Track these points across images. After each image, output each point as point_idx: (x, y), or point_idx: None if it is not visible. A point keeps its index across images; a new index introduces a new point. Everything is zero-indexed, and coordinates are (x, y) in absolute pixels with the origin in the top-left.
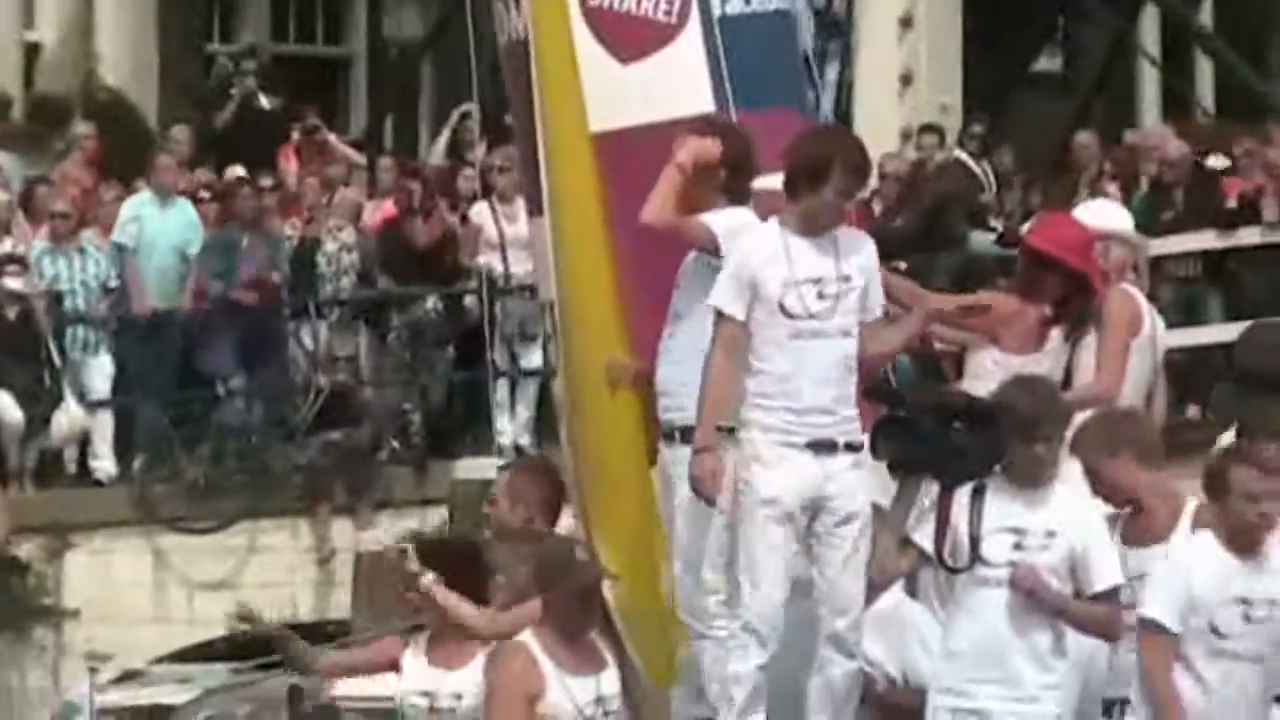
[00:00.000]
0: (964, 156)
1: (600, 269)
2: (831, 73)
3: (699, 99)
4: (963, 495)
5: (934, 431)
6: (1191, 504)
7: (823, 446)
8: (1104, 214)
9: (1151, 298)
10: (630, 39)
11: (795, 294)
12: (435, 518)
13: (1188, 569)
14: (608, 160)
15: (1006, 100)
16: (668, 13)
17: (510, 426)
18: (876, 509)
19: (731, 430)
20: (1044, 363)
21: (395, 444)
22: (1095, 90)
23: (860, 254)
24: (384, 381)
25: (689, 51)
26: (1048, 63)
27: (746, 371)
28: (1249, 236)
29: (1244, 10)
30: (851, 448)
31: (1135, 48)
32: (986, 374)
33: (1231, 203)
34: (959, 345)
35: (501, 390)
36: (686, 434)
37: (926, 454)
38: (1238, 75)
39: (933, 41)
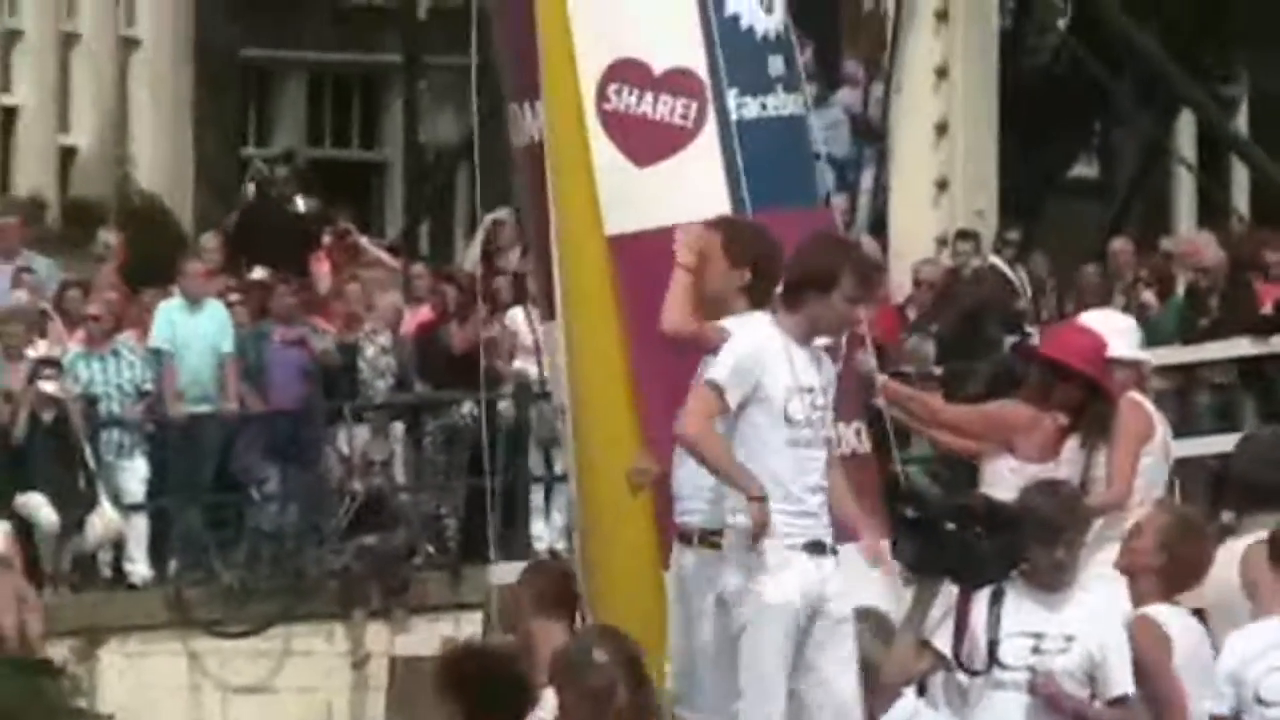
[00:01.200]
0: (999, 263)
1: (614, 373)
2: (867, 178)
3: (715, 202)
4: (981, 598)
5: (954, 535)
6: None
7: (817, 547)
8: (1110, 333)
9: (1187, 404)
10: (647, 143)
11: (797, 401)
12: (470, 623)
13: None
14: (623, 263)
15: (1042, 206)
16: (684, 117)
17: (546, 531)
18: (858, 612)
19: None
20: (1061, 471)
21: (430, 549)
22: (1130, 196)
23: (829, 369)
24: (419, 486)
25: (705, 155)
26: (1083, 168)
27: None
28: None
29: (1278, 116)
30: (833, 550)
31: (1171, 153)
32: (1003, 482)
33: (1267, 309)
34: (973, 454)
35: (536, 495)
36: (705, 536)
37: (946, 557)
38: (1273, 181)
39: (969, 147)
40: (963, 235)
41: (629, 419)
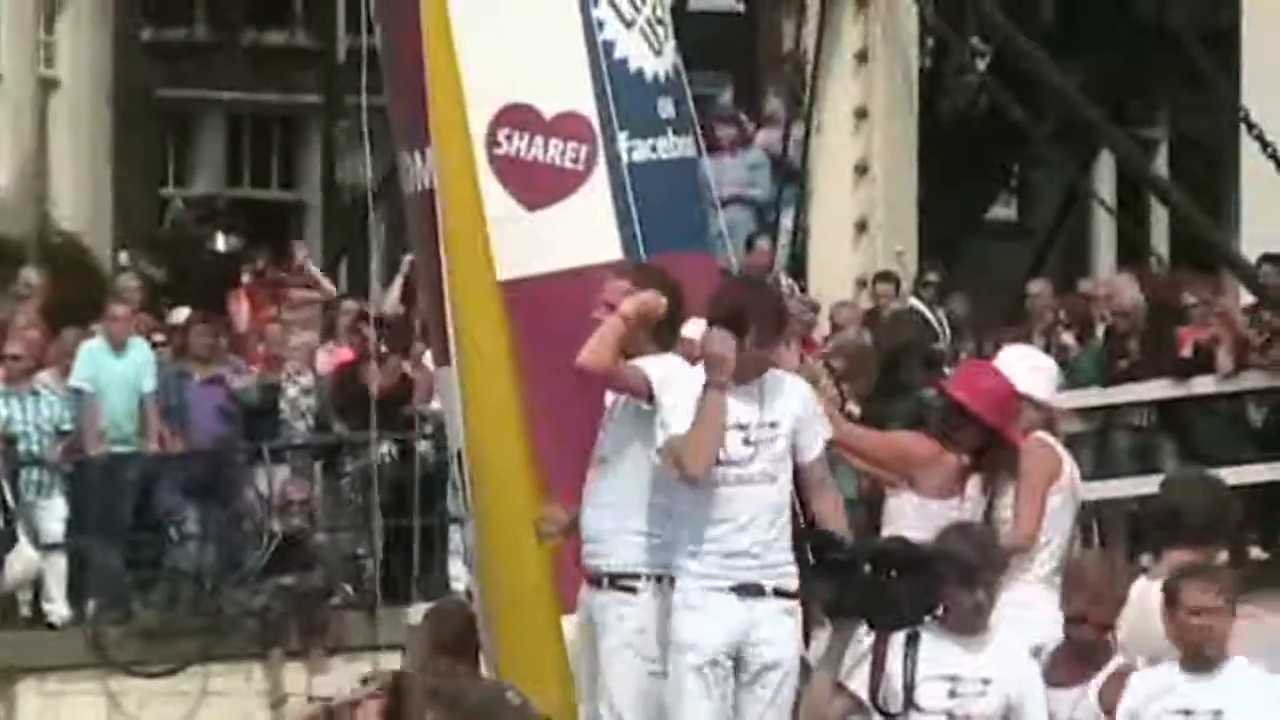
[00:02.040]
0: (918, 304)
1: (508, 416)
2: (788, 219)
3: (606, 245)
4: (898, 642)
5: (870, 578)
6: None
7: (749, 590)
8: (1022, 372)
9: (1106, 445)
10: (538, 187)
11: (730, 439)
12: (389, 663)
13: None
14: (516, 308)
15: (961, 247)
16: (575, 160)
17: (465, 572)
18: (804, 663)
19: (659, 580)
20: (964, 510)
21: (348, 589)
22: (1050, 237)
23: (789, 399)
24: (337, 526)
25: (596, 198)
26: (1002, 209)
27: (674, 519)
28: (1203, 386)
29: (1198, 159)
30: (781, 593)
31: (1090, 195)
32: (905, 519)
33: (1186, 352)
34: (876, 476)
35: (455, 536)
36: (615, 580)
37: (862, 600)
38: (1192, 224)
39: (888, 189)
40: (882, 277)
41: (523, 464)
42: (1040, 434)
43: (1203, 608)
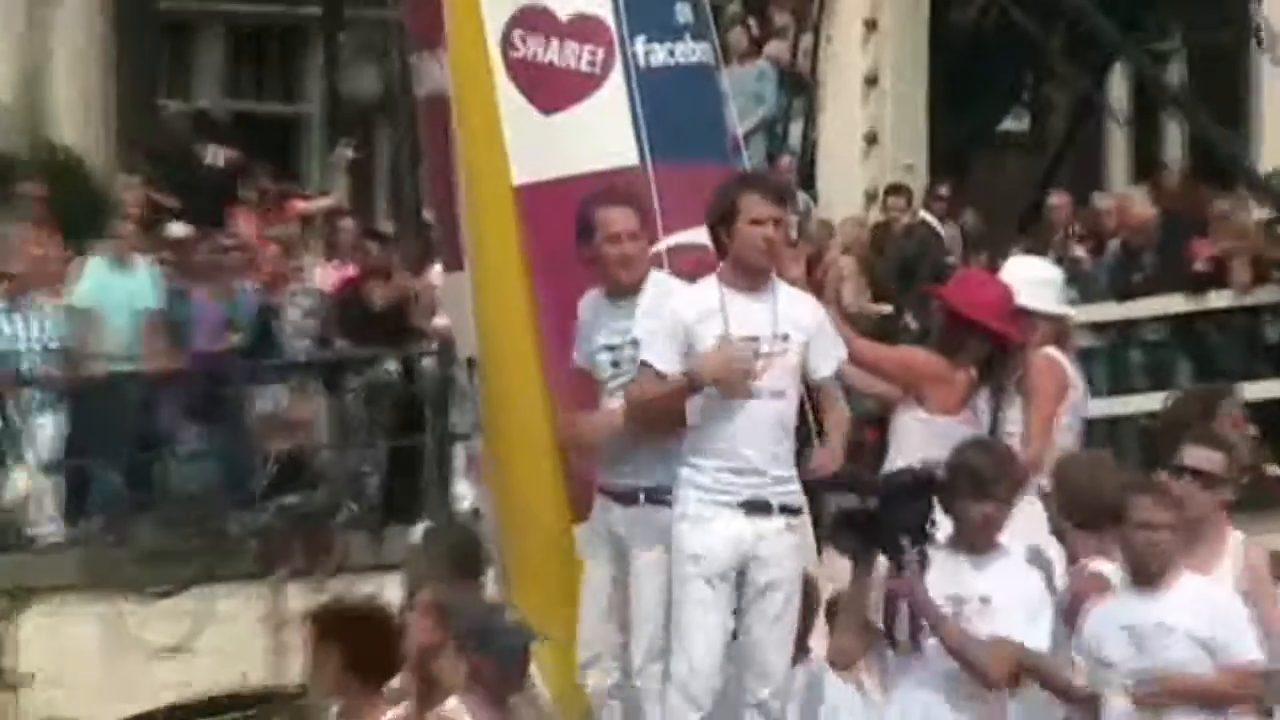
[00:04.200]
0: (930, 218)
1: (522, 322)
2: (796, 132)
3: (623, 151)
4: (912, 569)
5: (878, 512)
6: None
7: (756, 507)
8: (1026, 284)
9: (1120, 361)
10: (553, 90)
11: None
12: (392, 584)
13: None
14: (530, 212)
15: (972, 161)
16: (591, 64)
17: (470, 491)
18: (808, 578)
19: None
20: (972, 426)
21: (352, 508)
22: (1062, 151)
23: (802, 312)
24: (341, 445)
25: (612, 103)
26: (1014, 123)
27: (679, 429)
28: (1218, 300)
29: (1214, 70)
30: (787, 510)
31: (1103, 108)
32: (911, 434)
33: (1201, 266)
34: (881, 398)
35: (459, 454)
36: (652, 494)
37: (873, 535)
38: (1208, 137)
39: (898, 101)
40: (893, 190)
41: (535, 370)
42: (1049, 350)
43: (1152, 523)
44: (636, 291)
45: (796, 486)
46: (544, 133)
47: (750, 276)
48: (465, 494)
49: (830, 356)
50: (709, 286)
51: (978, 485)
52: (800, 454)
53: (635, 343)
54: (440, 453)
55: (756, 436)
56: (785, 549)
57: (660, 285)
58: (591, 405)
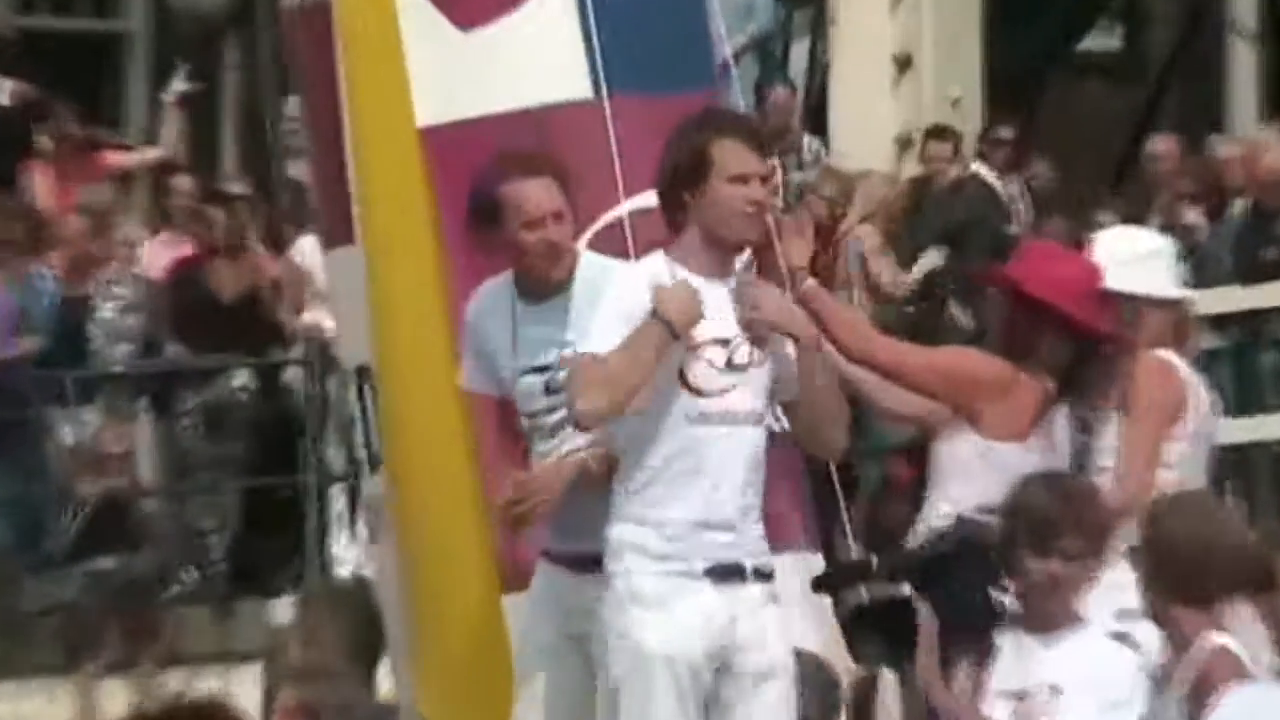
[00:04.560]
0: (984, 171)
1: (434, 316)
2: (799, 55)
3: (571, 79)
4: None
5: (917, 606)
6: None
7: (726, 573)
8: (1124, 262)
9: (1248, 367)
10: None
11: (700, 360)
12: (244, 679)
13: None
14: (444, 163)
15: (1044, 92)
16: None
17: (351, 549)
18: (800, 657)
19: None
20: (1047, 454)
21: (190, 575)
22: (1167, 77)
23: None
24: (174, 489)
25: (555, 11)
26: (1101, 39)
27: (622, 470)
28: None
29: None
30: (762, 575)
31: (1224, 22)
32: (961, 468)
33: None
34: (920, 423)
35: (339, 499)
36: (584, 562)
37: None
38: None
39: (940, 9)
40: (935, 133)
41: (453, 381)
42: (1160, 351)
43: None
44: (565, 287)
45: (766, 545)
46: (460, 55)
47: (720, 257)
48: (345, 555)
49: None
50: (656, 269)
51: (1042, 536)
52: (829, 540)
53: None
54: (314, 498)
55: (728, 476)
56: (768, 629)
57: (596, 268)
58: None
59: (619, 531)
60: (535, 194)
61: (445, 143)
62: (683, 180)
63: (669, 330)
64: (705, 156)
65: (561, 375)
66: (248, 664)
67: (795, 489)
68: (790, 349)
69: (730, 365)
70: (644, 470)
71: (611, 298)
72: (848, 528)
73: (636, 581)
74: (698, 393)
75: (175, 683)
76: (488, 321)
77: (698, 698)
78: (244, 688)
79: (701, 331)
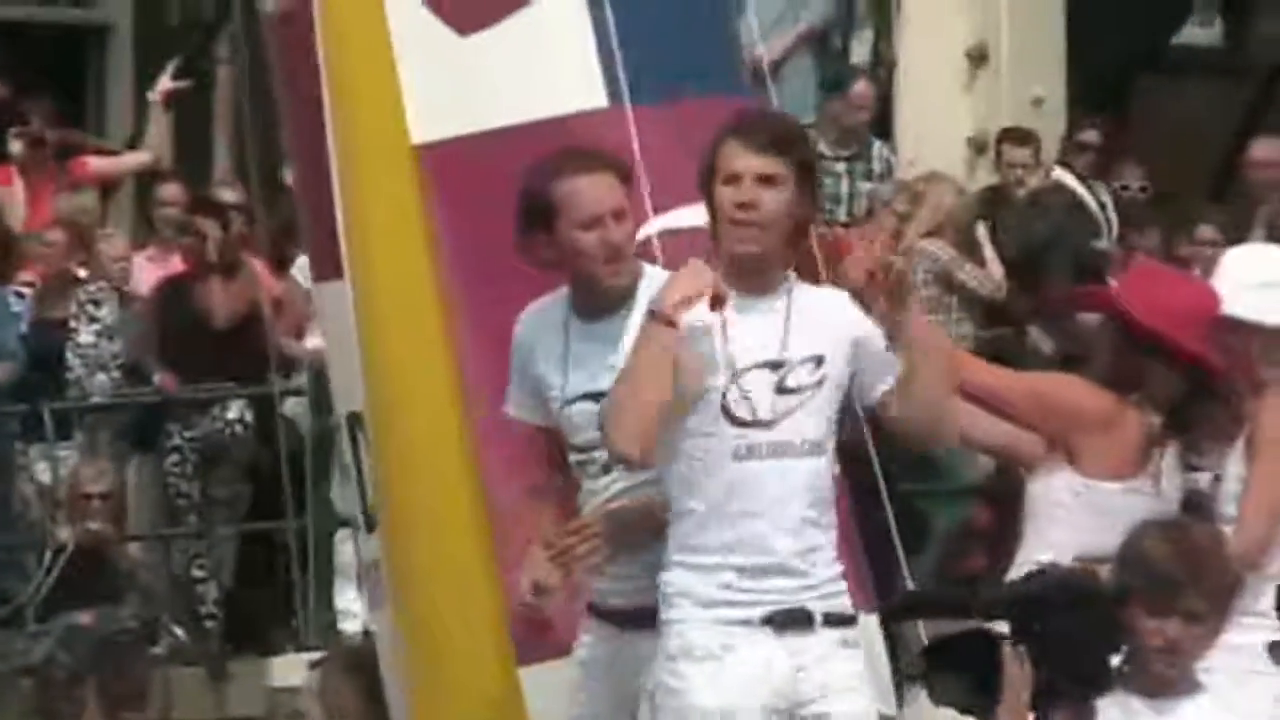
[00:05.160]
0: (1068, 179)
1: (434, 356)
2: (861, 49)
3: (581, 88)
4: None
5: (1012, 645)
6: None
7: (790, 621)
8: (1248, 286)
9: None
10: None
11: (748, 385)
12: None
13: None
14: (441, 185)
15: (1136, 90)
16: None
17: (359, 602)
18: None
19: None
20: (1152, 493)
21: (178, 631)
22: (1274, 76)
23: (834, 317)
24: (161, 534)
25: (563, 15)
26: (1200, 32)
27: (671, 514)
28: None
29: None
30: (836, 621)
31: None
32: (1059, 511)
33: None
34: (1014, 459)
35: (346, 546)
36: (639, 617)
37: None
38: None
39: (1021, 1)
40: (1012, 136)
41: (457, 429)
42: None
43: None
44: (626, 302)
45: (844, 585)
46: (460, 61)
47: (742, 272)
48: (353, 608)
49: (891, 371)
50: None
51: (1160, 595)
52: (883, 574)
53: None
54: (318, 542)
55: (787, 514)
56: (846, 678)
57: (661, 283)
58: (543, 480)
59: (669, 578)
60: (593, 190)
61: (446, 160)
62: (703, 190)
63: (660, 319)
64: (711, 160)
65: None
66: None
67: (842, 542)
68: (873, 335)
69: (782, 389)
70: (692, 513)
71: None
72: (908, 581)
73: (688, 633)
74: (742, 423)
75: None
76: (538, 340)
77: None
78: None
79: (745, 355)
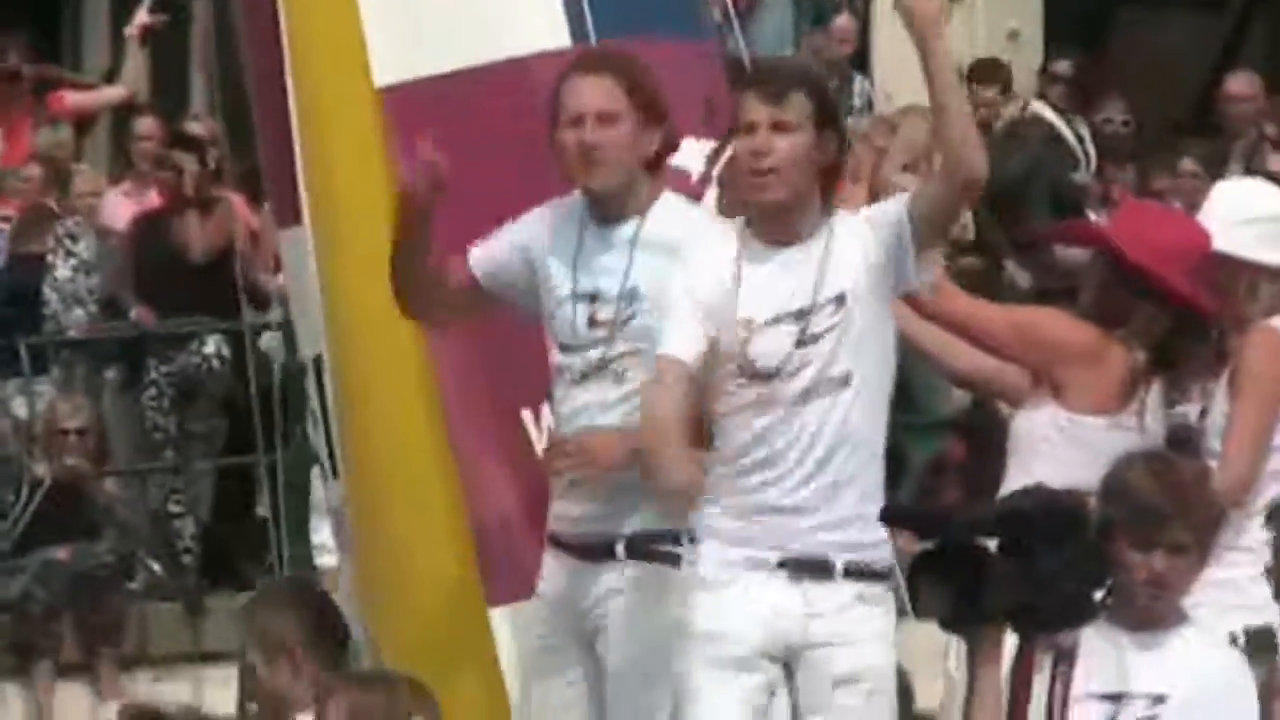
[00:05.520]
0: (1046, 111)
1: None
2: None
3: (546, 26)
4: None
5: (998, 563)
6: None
7: (806, 567)
8: (1234, 222)
9: None
10: None
11: (766, 342)
12: (218, 680)
13: None
14: (403, 126)
15: (1111, 21)
16: None
17: (333, 540)
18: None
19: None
20: (1136, 429)
21: (155, 566)
22: (1250, 8)
23: (850, 244)
24: (137, 469)
25: None
26: None
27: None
28: None
29: None
30: (861, 574)
31: None
32: (1044, 445)
33: None
34: (995, 392)
35: (319, 483)
36: (641, 543)
37: (991, 599)
38: None
39: None
40: (978, 74)
41: (420, 372)
42: (1274, 322)
43: None
44: (622, 211)
45: (877, 538)
46: (422, 3)
47: (768, 220)
48: (330, 543)
49: (917, 263)
50: (731, 242)
51: (1145, 527)
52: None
53: (634, 296)
54: (293, 476)
55: (811, 454)
56: (863, 630)
57: (677, 213)
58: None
59: (703, 516)
60: (581, 89)
61: (408, 103)
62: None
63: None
64: (737, 111)
65: (622, 313)
66: (220, 664)
67: None
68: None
69: (802, 340)
70: (721, 455)
71: (684, 289)
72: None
73: (704, 568)
74: (762, 377)
75: (140, 686)
76: (557, 231)
77: (754, 693)
78: (216, 691)
79: (765, 308)
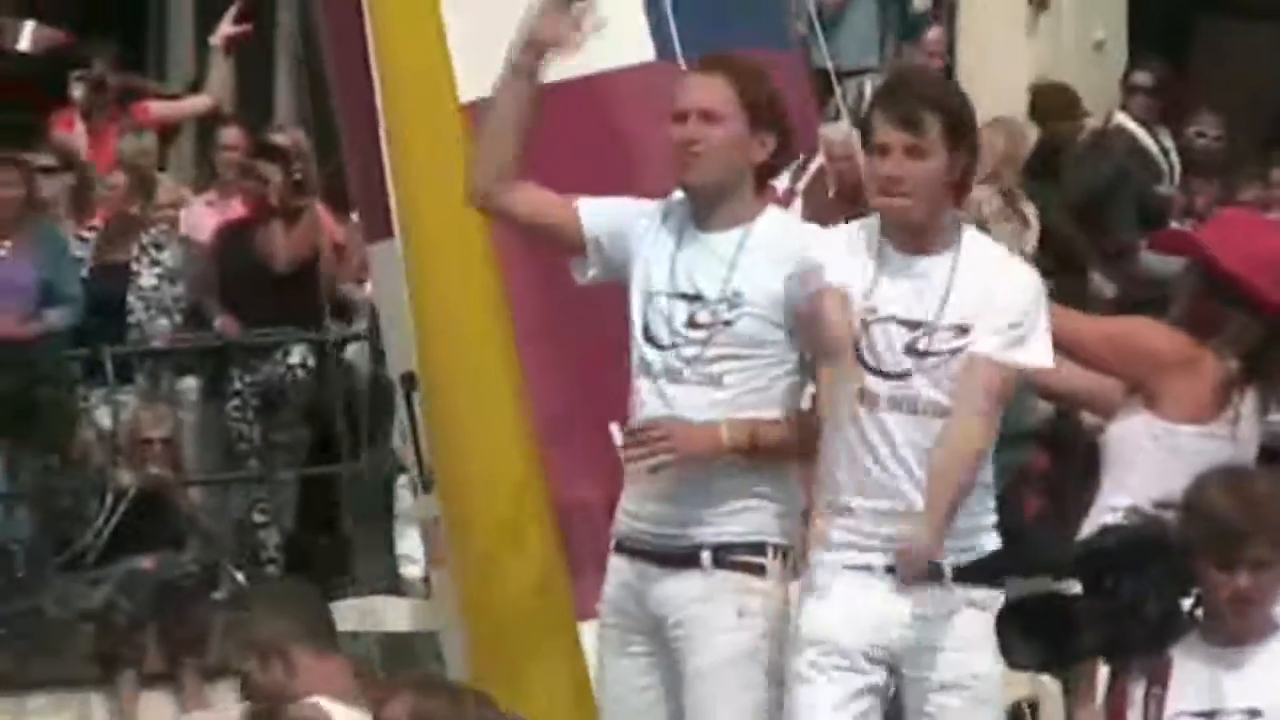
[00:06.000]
0: (1130, 123)
1: (487, 322)
2: None
3: (631, 41)
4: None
5: (1082, 607)
6: None
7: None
8: None
9: None
10: None
11: (878, 336)
12: None
13: None
14: None
15: (1199, 32)
16: None
17: (420, 546)
18: None
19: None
20: (1229, 438)
21: (239, 576)
22: None
23: (996, 282)
24: (222, 478)
25: None
26: None
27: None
28: None
29: None
30: (969, 577)
31: None
32: (1139, 455)
33: None
34: (1086, 404)
35: (406, 495)
36: (729, 553)
37: (1077, 643)
38: None
39: None
40: (1048, 97)
41: (511, 394)
42: None
43: None
44: (724, 214)
45: (992, 544)
46: (507, 18)
47: (896, 232)
48: (415, 553)
49: (1002, 331)
50: (851, 230)
51: (1225, 546)
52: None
53: (736, 301)
54: (377, 487)
55: (916, 464)
56: (971, 635)
57: (779, 223)
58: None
59: (814, 521)
60: (691, 87)
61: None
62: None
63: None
64: (869, 128)
65: (721, 316)
66: None
67: None
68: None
69: (911, 350)
70: (828, 455)
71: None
72: None
73: (815, 574)
74: (871, 370)
75: (224, 697)
76: (662, 226)
77: (855, 692)
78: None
79: (885, 307)
